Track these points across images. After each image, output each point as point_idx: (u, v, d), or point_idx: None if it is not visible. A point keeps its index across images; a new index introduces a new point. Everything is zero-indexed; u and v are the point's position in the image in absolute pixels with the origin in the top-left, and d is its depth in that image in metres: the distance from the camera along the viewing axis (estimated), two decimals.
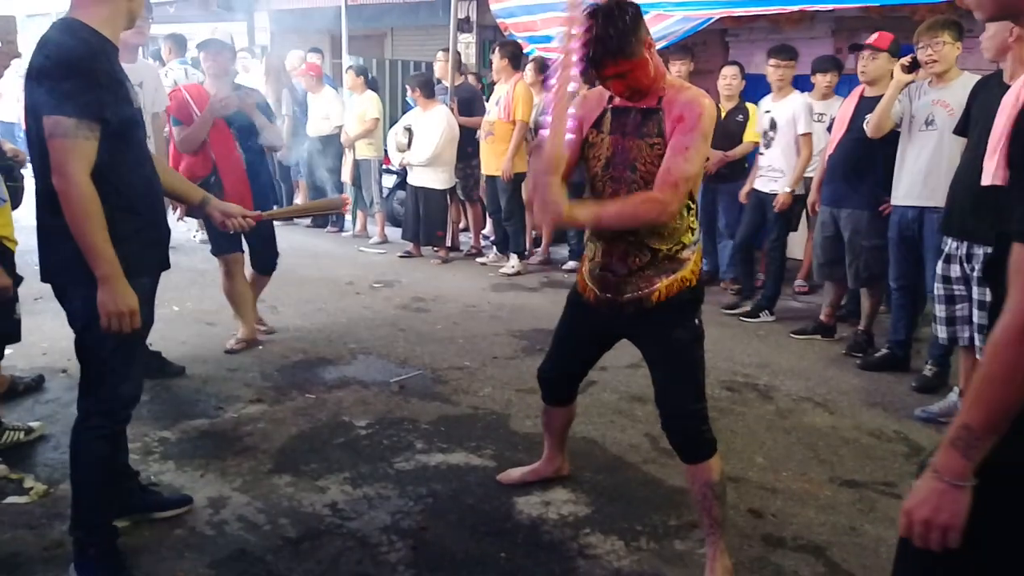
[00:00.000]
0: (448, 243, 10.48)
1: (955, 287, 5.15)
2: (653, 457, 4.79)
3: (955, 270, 5.12)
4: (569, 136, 3.49)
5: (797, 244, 9.31)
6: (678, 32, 9.09)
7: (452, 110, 9.97)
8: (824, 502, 4.35)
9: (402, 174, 10.57)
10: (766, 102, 7.82)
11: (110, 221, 3.21)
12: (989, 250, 4.78)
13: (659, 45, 3.68)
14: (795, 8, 8.57)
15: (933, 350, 5.96)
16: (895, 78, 5.94)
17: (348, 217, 12.05)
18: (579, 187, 4.25)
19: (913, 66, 5.86)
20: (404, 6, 14.54)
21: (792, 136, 7.54)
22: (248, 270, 6.58)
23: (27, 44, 4.00)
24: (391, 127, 10.66)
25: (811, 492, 4.45)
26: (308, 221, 12.31)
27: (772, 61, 7.66)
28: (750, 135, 8.24)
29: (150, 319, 3.51)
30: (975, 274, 4.96)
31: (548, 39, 10.45)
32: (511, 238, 9.81)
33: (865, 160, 6.39)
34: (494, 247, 10.41)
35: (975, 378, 1.83)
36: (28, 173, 4.24)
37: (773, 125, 7.63)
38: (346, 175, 11.23)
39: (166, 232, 3.62)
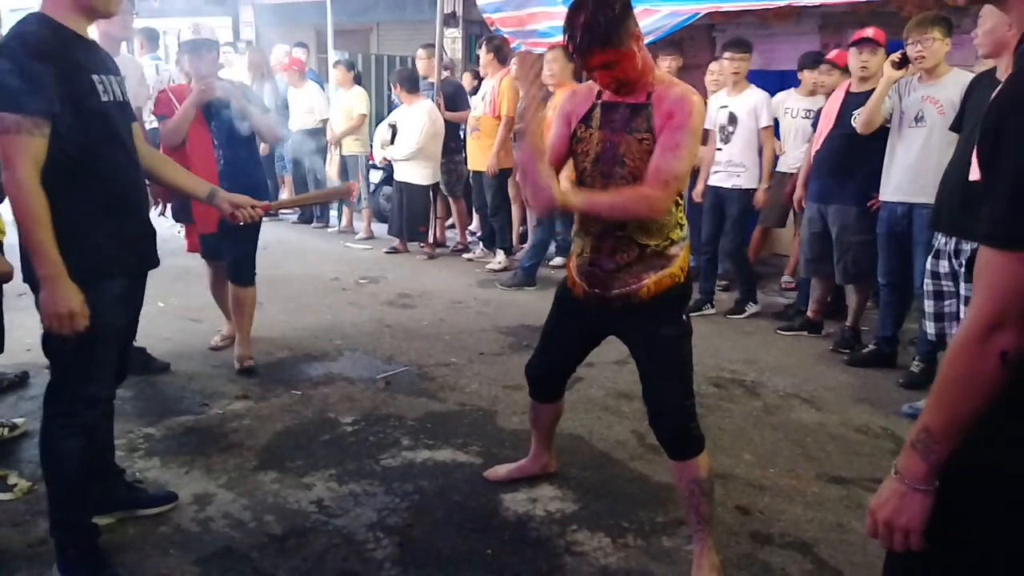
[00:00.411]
0: (434, 239, 10.45)
1: (944, 283, 5.16)
2: (640, 453, 4.78)
3: (944, 266, 5.12)
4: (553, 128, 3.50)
5: (784, 240, 9.33)
6: (666, 27, 9.05)
7: (439, 105, 9.94)
8: (811, 499, 4.34)
9: (388, 170, 10.54)
10: (721, 96, 7.75)
11: (79, 219, 3.18)
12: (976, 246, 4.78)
13: (647, 40, 3.64)
14: (782, 3, 8.54)
15: (920, 346, 5.97)
16: (886, 74, 5.93)
17: (334, 213, 12.05)
18: None
19: (903, 62, 5.85)
20: (390, 1, 14.50)
21: (753, 130, 7.51)
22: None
23: None
24: (377, 122, 10.64)
25: (798, 489, 4.45)
26: (295, 217, 12.30)
27: (727, 54, 7.64)
28: None
29: (123, 320, 3.46)
30: (963, 270, 4.96)
31: (535, 34, 10.44)
32: (497, 234, 9.79)
33: (853, 156, 6.38)
34: (480, 243, 10.40)
35: (935, 381, 1.83)
36: None
37: (732, 119, 7.56)
38: (332, 171, 11.19)
39: (146, 230, 3.56)
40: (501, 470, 4.46)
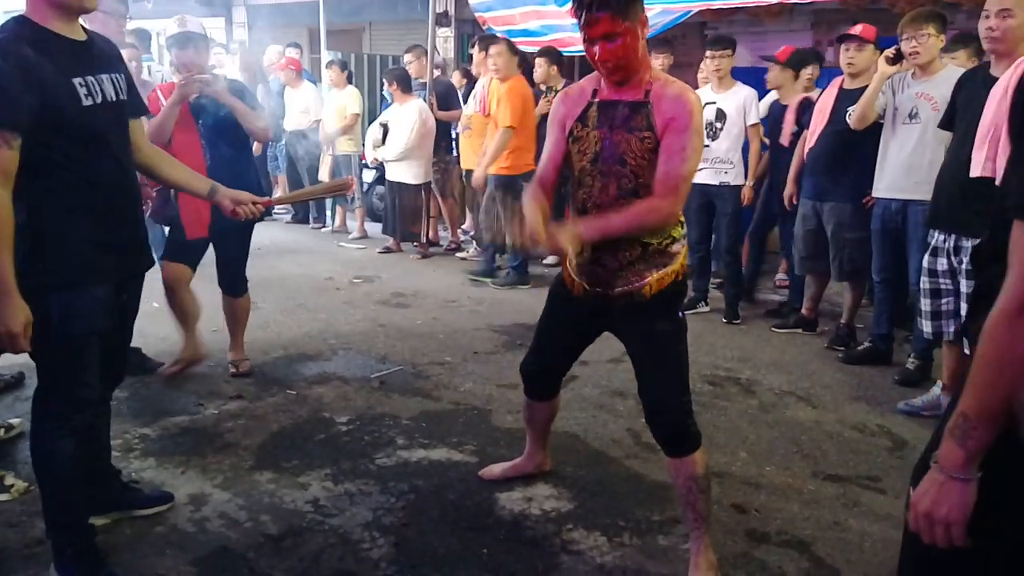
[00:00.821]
0: (427, 238, 10.44)
1: (941, 281, 5.15)
2: (635, 452, 4.77)
3: (942, 263, 5.12)
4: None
5: (774, 237, 9.31)
6: (658, 25, 9.06)
7: (432, 105, 9.93)
8: (808, 497, 4.34)
9: (381, 169, 10.53)
10: (706, 92, 7.65)
11: (61, 223, 3.16)
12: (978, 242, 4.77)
13: None
14: (774, 1, 8.56)
15: (916, 343, 5.96)
16: (880, 70, 5.93)
17: (328, 212, 12.05)
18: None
19: (897, 58, 5.85)
20: (382, 0, 14.49)
21: (742, 127, 7.50)
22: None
23: None
24: (370, 122, 10.63)
25: (795, 487, 4.44)
26: (289, 217, 12.30)
27: (708, 52, 7.62)
28: None
29: (106, 324, 3.37)
30: (963, 267, 4.96)
31: (527, 33, 10.44)
32: None
33: (847, 152, 6.37)
34: (474, 242, 10.38)
35: (972, 366, 1.77)
36: None
37: (720, 116, 7.52)
38: (324, 172, 11.18)
39: (134, 235, 3.51)
40: (496, 469, 4.45)
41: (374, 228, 11.12)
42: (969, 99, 4.98)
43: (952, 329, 5.17)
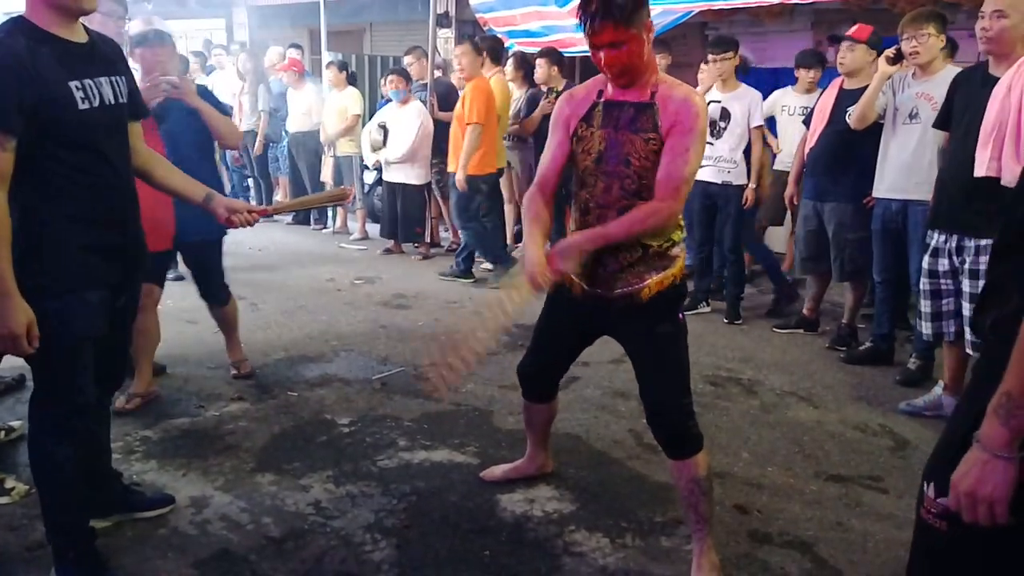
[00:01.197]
0: (428, 239, 10.44)
1: (942, 282, 5.14)
2: (637, 453, 4.77)
3: (943, 264, 5.11)
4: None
5: (779, 238, 9.32)
6: (659, 25, 9.04)
7: (433, 106, 9.92)
8: (810, 497, 4.34)
9: (382, 171, 10.52)
10: (712, 92, 7.65)
11: (55, 227, 3.15)
12: (981, 242, 4.79)
13: None
14: (775, 1, 8.55)
15: (917, 343, 5.96)
16: (880, 70, 5.92)
17: (329, 213, 12.04)
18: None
19: (897, 58, 5.84)
20: (383, 1, 14.49)
21: (745, 128, 7.47)
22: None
23: None
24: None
25: (797, 487, 4.44)
26: (289, 218, 12.28)
27: (709, 55, 7.57)
28: None
29: (102, 329, 3.36)
30: (966, 267, 4.95)
31: (527, 34, 10.44)
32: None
33: (848, 152, 6.36)
34: None
35: (1017, 343, 1.78)
36: None
37: (725, 115, 7.50)
38: (326, 173, 11.17)
39: (130, 240, 3.47)
40: (498, 471, 4.45)
41: (375, 229, 11.11)
42: (968, 99, 4.97)
43: (953, 330, 5.16)
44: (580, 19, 3.31)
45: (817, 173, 6.65)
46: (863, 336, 6.73)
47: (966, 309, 4.96)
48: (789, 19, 10.54)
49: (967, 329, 4.96)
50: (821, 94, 6.85)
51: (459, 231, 9.56)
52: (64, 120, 3.10)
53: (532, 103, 9.46)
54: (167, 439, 4.87)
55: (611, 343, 3.80)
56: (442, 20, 12.63)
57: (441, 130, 9.90)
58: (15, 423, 4.82)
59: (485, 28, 10.91)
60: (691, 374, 3.57)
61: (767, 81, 8.99)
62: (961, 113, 5.04)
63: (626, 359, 3.71)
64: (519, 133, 9.55)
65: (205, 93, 5.48)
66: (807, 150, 6.77)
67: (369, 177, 11.37)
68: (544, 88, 9.32)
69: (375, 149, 9.92)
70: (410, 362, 6.26)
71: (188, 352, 6.29)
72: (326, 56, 12.10)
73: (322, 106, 11.20)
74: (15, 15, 3.16)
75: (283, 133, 11.72)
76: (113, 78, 3.32)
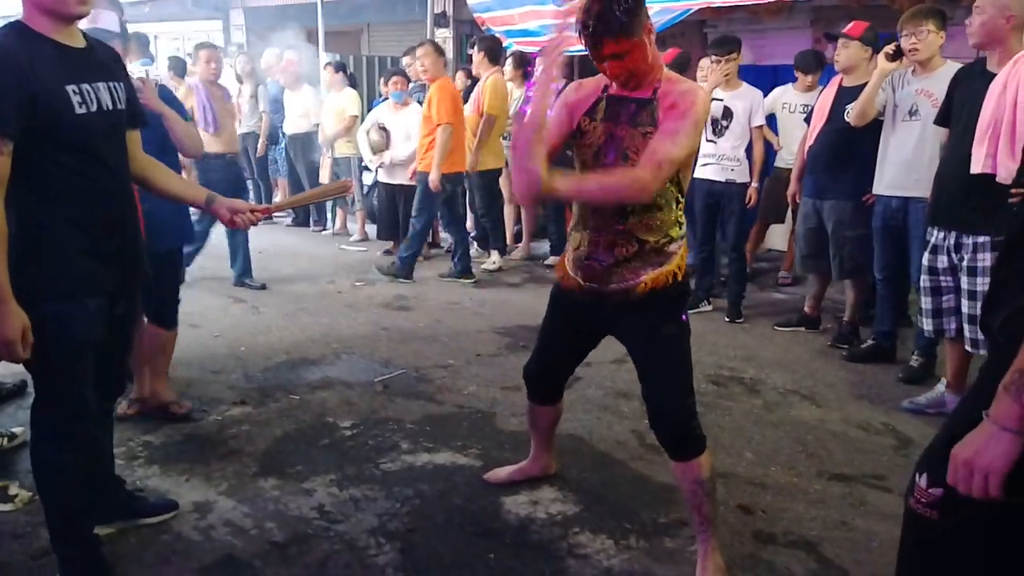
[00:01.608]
0: (428, 239, 10.42)
1: (942, 278, 5.15)
2: (640, 453, 4.77)
3: (942, 261, 5.11)
4: (551, 110, 3.46)
5: (780, 236, 9.33)
6: (658, 23, 9.03)
7: None
8: (814, 496, 4.33)
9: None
10: (715, 91, 7.66)
11: (53, 233, 3.14)
12: (978, 239, 4.80)
13: None
14: None
15: (919, 340, 5.95)
16: (879, 66, 5.91)
17: (329, 215, 12.04)
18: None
19: (897, 54, 5.83)
20: (381, 1, 14.48)
21: (747, 127, 7.48)
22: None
23: None
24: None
25: (801, 487, 4.44)
26: (289, 220, 12.27)
27: (714, 56, 7.54)
28: None
29: (100, 335, 3.35)
30: (964, 264, 4.95)
31: (525, 33, 10.42)
32: (490, 234, 9.77)
33: (847, 150, 6.36)
34: (475, 243, 10.37)
35: None
36: None
37: (727, 114, 7.50)
38: (324, 175, 11.17)
39: (127, 245, 3.44)
40: (501, 473, 4.44)
41: (375, 230, 11.11)
42: (967, 95, 4.98)
43: (953, 326, 5.16)
44: (580, 36, 3.29)
45: (817, 171, 6.65)
46: (864, 334, 6.72)
47: (965, 306, 4.96)
48: (788, 16, 10.53)
49: (967, 326, 4.96)
50: (821, 92, 6.85)
51: (446, 230, 9.56)
52: (61, 124, 3.09)
53: None
54: (169, 444, 4.86)
55: (613, 343, 3.79)
56: (440, 20, 12.62)
57: None
58: (17, 429, 4.81)
59: (483, 28, 10.89)
60: (694, 373, 3.56)
61: (767, 79, 8.98)
62: (960, 109, 5.05)
63: (628, 359, 3.70)
64: None
65: (168, 97, 5.22)
66: (807, 148, 6.76)
67: (368, 178, 11.36)
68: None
69: (377, 151, 9.89)
70: (412, 364, 6.26)
71: (190, 356, 6.27)
72: (324, 57, 12.09)
73: (319, 107, 11.19)
74: (13, 19, 3.16)
75: (280, 135, 11.72)
76: (111, 84, 3.31)
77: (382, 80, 10.91)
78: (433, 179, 8.62)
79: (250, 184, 12.62)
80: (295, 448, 4.82)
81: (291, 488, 4.35)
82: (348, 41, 15.52)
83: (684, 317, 3.54)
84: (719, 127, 7.43)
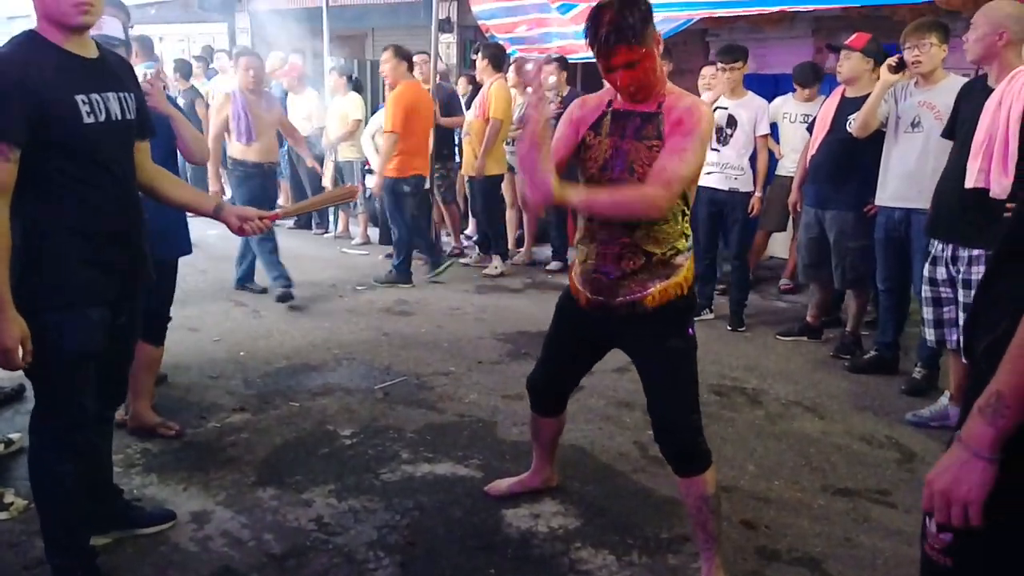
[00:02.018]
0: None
1: (942, 290, 5.14)
2: (643, 466, 4.73)
3: (941, 272, 5.12)
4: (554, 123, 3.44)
5: (782, 244, 9.31)
6: (660, 32, 9.05)
7: (435, 112, 9.89)
8: (818, 512, 4.30)
9: None
10: (719, 99, 7.65)
11: (56, 242, 3.12)
12: (973, 252, 4.81)
13: None
14: (775, 8, 8.54)
15: (922, 352, 5.95)
16: (882, 78, 5.89)
17: (331, 218, 12.02)
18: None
19: (900, 66, 5.81)
20: (385, 7, 14.48)
21: (752, 136, 7.47)
22: None
23: None
24: None
25: (804, 502, 4.41)
26: (291, 223, 12.22)
27: (720, 64, 7.53)
28: None
29: (100, 345, 3.32)
30: (960, 276, 4.96)
31: (528, 40, 10.43)
32: (492, 239, 9.76)
33: (849, 160, 6.35)
34: (476, 248, 10.35)
35: (1013, 343, 1.73)
36: None
37: (731, 122, 7.48)
38: (327, 179, 11.14)
39: (131, 256, 3.42)
40: (502, 484, 4.40)
41: (377, 233, 11.09)
42: (969, 110, 5.00)
43: (955, 338, 5.14)
44: (591, 45, 3.28)
45: (819, 181, 6.64)
46: (867, 343, 6.70)
47: (963, 319, 4.94)
48: (790, 26, 10.55)
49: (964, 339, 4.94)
50: (823, 102, 6.84)
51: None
52: (68, 133, 3.09)
53: None
54: (168, 452, 4.83)
55: (616, 352, 3.77)
56: (444, 26, 12.63)
57: (441, 135, 9.90)
58: (14, 435, 4.77)
59: (487, 35, 10.88)
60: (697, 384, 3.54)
61: (768, 87, 8.99)
62: (962, 123, 5.07)
63: (630, 368, 3.69)
64: None
65: (174, 104, 5.18)
66: (809, 157, 6.75)
67: (371, 182, 11.34)
68: (552, 94, 9.31)
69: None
70: (413, 371, 6.23)
71: (189, 361, 6.25)
72: (328, 61, 12.07)
73: (323, 111, 11.17)
74: (28, 29, 3.16)
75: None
76: (121, 94, 3.30)
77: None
78: (376, 185, 8.96)
79: None
80: (294, 457, 4.79)
81: (290, 498, 4.31)
82: (353, 45, 15.51)
83: (691, 331, 3.52)
84: (723, 135, 7.41)
